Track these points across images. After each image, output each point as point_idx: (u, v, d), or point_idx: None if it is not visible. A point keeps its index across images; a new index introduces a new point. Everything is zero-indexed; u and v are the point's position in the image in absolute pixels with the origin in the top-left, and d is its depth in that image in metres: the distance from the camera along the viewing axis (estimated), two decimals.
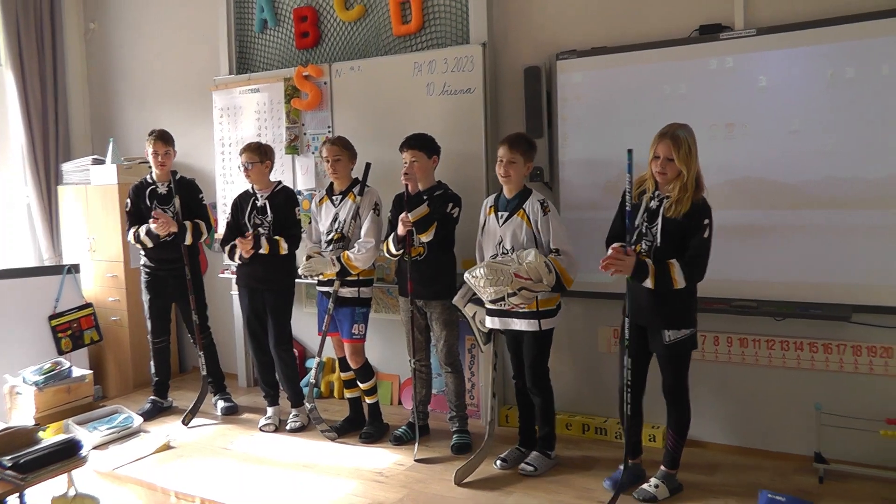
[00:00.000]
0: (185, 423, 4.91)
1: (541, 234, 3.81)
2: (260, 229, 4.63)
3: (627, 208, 3.43)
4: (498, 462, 4.03)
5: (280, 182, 4.78)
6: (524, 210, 3.84)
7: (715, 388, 4.17)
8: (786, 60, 3.73)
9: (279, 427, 4.80)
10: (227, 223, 4.85)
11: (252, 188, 4.72)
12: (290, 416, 4.83)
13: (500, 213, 3.92)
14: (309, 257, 4.47)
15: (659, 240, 3.41)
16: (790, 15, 3.75)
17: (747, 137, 3.85)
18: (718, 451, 4.15)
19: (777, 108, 3.76)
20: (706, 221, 3.34)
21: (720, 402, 4.17)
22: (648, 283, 3.34)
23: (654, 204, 3.45)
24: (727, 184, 3.88)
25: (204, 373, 5.09)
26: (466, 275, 3.82)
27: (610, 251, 3.42)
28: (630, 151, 3.33)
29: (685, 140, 3.34)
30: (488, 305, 3.91)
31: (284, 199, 4.68)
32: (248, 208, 4.69)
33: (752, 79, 3.81)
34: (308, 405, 4.61)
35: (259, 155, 4.62)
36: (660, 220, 3.41)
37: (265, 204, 4.64)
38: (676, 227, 3.36)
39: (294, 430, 4.72)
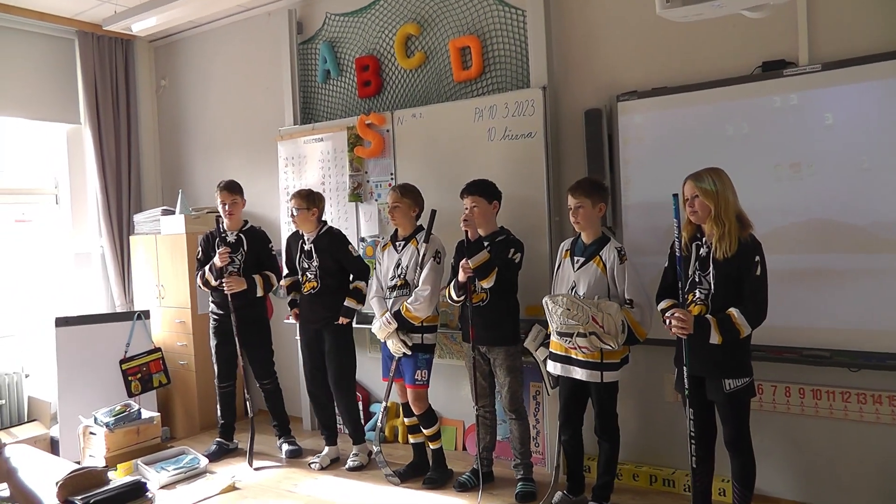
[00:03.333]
0: (251, 464, 5.00)
1: (616, 283, 3.76)
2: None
3: (678, 254, 3.39)
4: None
5: (325, 224, 4.87)
6: (600, 257, 3.80)
7: (786, 442, 4.00)
8: (853, 96, 3.59)
9: (327, 467, 4.85)
10: (286, 262, 5.04)
11: (300, 232, 4.84)
12: (351, 454, 4.85)
13: (575, 258, 3.89)
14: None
15: (713, 287, 3.33)
16: (856, 49, 3.62)
17: (814, 178, 3.70)
18: None
19: (845, 147, 3.62)
20: (757, 259, 3.26)
21: (791, 457, 3.99)
22: (714, 339, 3.25)
23: (703, 251, 3.40)
24: (794, 226, 3.76)
25: (250, 414, 5.16)
26: (546, 298, 3.79)
27: (673, 317, 3.35)
28: (676, 196, 3.32)
29: (706, 175, 3.32)
30: (553, 342, 3.87)
31: (329, 241, 4.78)
32: (298, 252, 4.83)
33: (818, 116, 3.68)
34: (374, 449, 4.60)
35: (306, 202, 4.75)
36: (711, 265, 3.35)
37: (311, 248, 4.76)
38: (729, 269, 3.29)
39: (352, 469, 4.73)
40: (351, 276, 4.79)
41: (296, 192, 4.83)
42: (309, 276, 4.76)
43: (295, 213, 4.75)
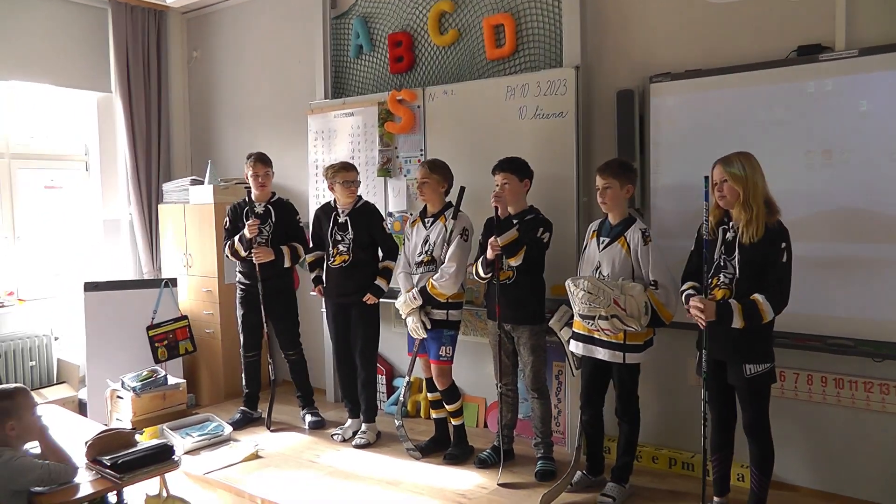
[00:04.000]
0: (268, 427, 5.16)
1: (640, 265, 3.76)
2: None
3: (704, 237, 3.39)
4: (567, 487, 4.02)
5: (360, 197, 4.88)
6: (625, 238, 3.80)
7: (807, 430, 3.99)
8: (889, 83, 3.52)
9: (349, 439, 4.92)
10: (312, 236, 5.07)
11: (334, 202, 4.85)
12: (360, 431, 4.91)
13: (601, 239, 3.89)
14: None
15: (738, 271, 3.34)
16: (895, 35, 3.56)
17: (846, 165, 3.66)
18: (810, 497, 3.96)
19: (879, 135, 3.56)
20: (783, 245, 3.25)
21: (812, 445, 3.99)
22: (737, 324, 3.25)
23: (730, 235, 3.39)
24: (823, 214, 3.73)
25: (273, 377, 5.28)
26: (569, 281, 3.80)
27: (691, 305, 3.38)
28: (707, 178, 3.32)
29: (736, 160, 3.32)
30: (576, 321, 3.89)
31: (366, 215, 4.80)
32: (331, 224, 4.81)
33: (852, 103, 3.63)
34: (397, 423, 4.67)
35: (354, 174, 4.77)
36: (737, 250, 3.35)
37: (346, 221, 4.77)
38: (755, 254, 3.29)
39: (359, 447, 4.81)
40: (381, 255, 4.81)
41: (343, 164, 4.79)
42: (341, 248, 4.76)
43: (342, 186, 4.72)
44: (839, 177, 3.70)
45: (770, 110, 3.87)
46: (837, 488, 3.93)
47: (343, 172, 4.73)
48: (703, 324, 3.35)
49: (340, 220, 4.79)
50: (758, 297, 3.24)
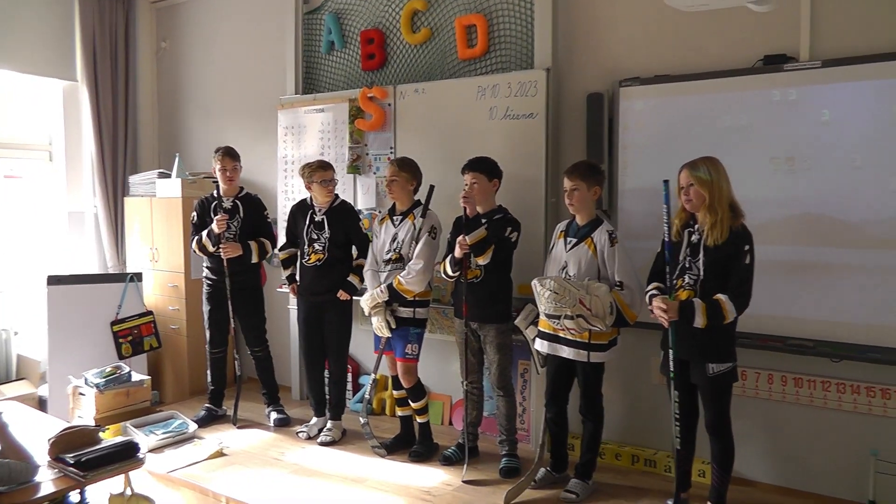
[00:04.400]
0: (234, 423, 5.15)
1: (606, 265, 3.82)
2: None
3: (665, 239, 3.46)
4: (531, 484, 4.07)
5: (337, 196, 4.87)
6: (592, 239, 3.86)
7: (767, 427, 4.09)
8: (851, 94, 3.64)
9: (314, 437, 4.91)
10: (286, 233, 5.02)
11: (310, 200, 4.83)
12: (325, 428, 4.91)
13: (568, 239, 3.94)
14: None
15: (702, 273, 3.40)
16: (857, 47, 3.67)
17: (809, 172, 3.76)
18: (768, 492, 4.06)
19: (841, 143, 3.68)
20: (747, 248, 3.34)
21: (771, 442, 4.10)
22: (699, 323, 3.33)
23: (695, 238, 3.47)
24: (786, 219, 3.83)
25: (239, 373, 5.25)
26: (535, 281, 3.84)
27: (653, 306, 3.47)
28: (666, 182, 3.39)
29: (702, 164, 3.40)
30: (541, 320, 3.94)
31: (343, 214, 4.79)
32: (307, 222, 4.79)
33: (815, 112, 3.73)
34: (362, 420, 4.67)
35: (333, 173, 4.77)
36: (702, 252, 3.42)
37: (323, 219, 4.75)
38: (719, 256, 3.36)
39: (324, 444, 4.80)
40: (355, 253, 4.80)
41: (320, 163, 4.75)
42: (317, 247, 4.74)
43: (320, 185, 4.69)
44: (802, 183, 3.80)
45: (736, 117, 3.96)
46: (795, 483, 4.04)
47: (321, 171, 4.71)
48: (667, 323, 3.41)
49: (317, 218, 4.77)
50: (721, 297, 3.31)
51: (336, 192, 4.84)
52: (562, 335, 3.85)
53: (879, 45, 3.63)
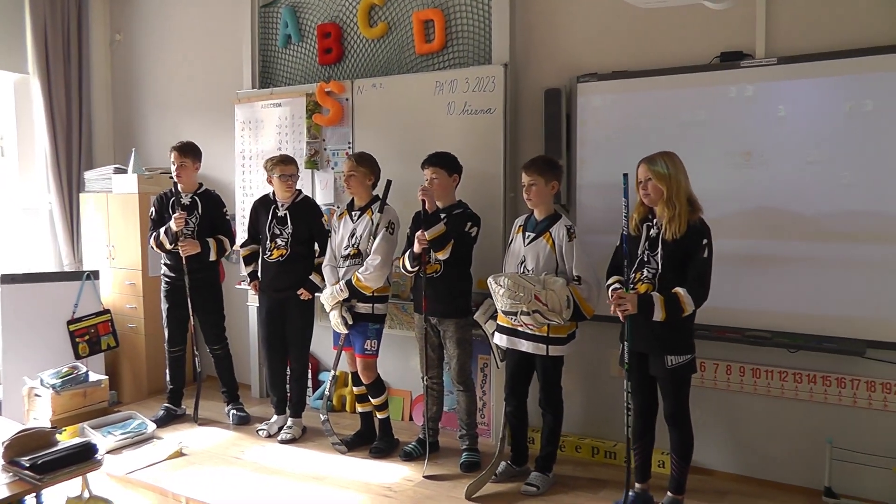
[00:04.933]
0: (196, 420, 5.13)
1: (564, 260, 3.84)
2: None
3: (624, 233, 3.48)
4: (492, 478, 4.09)
5: (300, 192, 4.84)
6: (550, 233, 3.88)
7: (726, 417, 4.16)
8: (805, 90, 3.72)
9: (274, 434, 4.89)
10: (248, 228, 4.98)
11: (273, 195, 4.79)
12: (285, 426, 4.88)
13: (527, 234, 3.96)
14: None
15: (661, 266, 3.44)
16: (812, 45, 3.74)
17: (764, 167, 3.83)
18: (727, 480, 4.13)
19: (795, 139, 3.75)
20: (705, 241, 3.38)
21: (730, 431, 4.16)
22: (658, 316, 3.35)
23: (653, 232, 3.50)
24: (743, 213, 3.89)
25: (199, 370, 5.22)
26: (490, 279, 3.86)
27: (613, 299, 3.50)
28: (626, 176, 3.41)
29: (660, 159, 3.43)
30: (500, 315, 3.95)
31: (306, 210, 4.76)
32: (269, 218, 4.75)
33: (771, 108, 3.79)
34: (322, 417, 4.65)
35: (297, 169, 4.75)
36: (660, 246, 3.45)
37: (285, 215, 4.71)
38: (677, 250, 3.40)
39: (284, 442, 4.78)
40: (317, 251, 4.77)
41: (282, 157, 4.73)
42: (279, 242, 4.69)
43: (279, 180, 4.66)
44: (758, 177, 3.86)
45: (693, 112, 4.01)
46: (753, 472, 4.12)
47: (281, 166, 4.67)
48: (623, 317, 3.44)
49: (280, 213, 4.73)
50: (679, 290, 3.35)
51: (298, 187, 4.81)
52: (520, 329, 3.87)
53: (833, 42, 3.70)
